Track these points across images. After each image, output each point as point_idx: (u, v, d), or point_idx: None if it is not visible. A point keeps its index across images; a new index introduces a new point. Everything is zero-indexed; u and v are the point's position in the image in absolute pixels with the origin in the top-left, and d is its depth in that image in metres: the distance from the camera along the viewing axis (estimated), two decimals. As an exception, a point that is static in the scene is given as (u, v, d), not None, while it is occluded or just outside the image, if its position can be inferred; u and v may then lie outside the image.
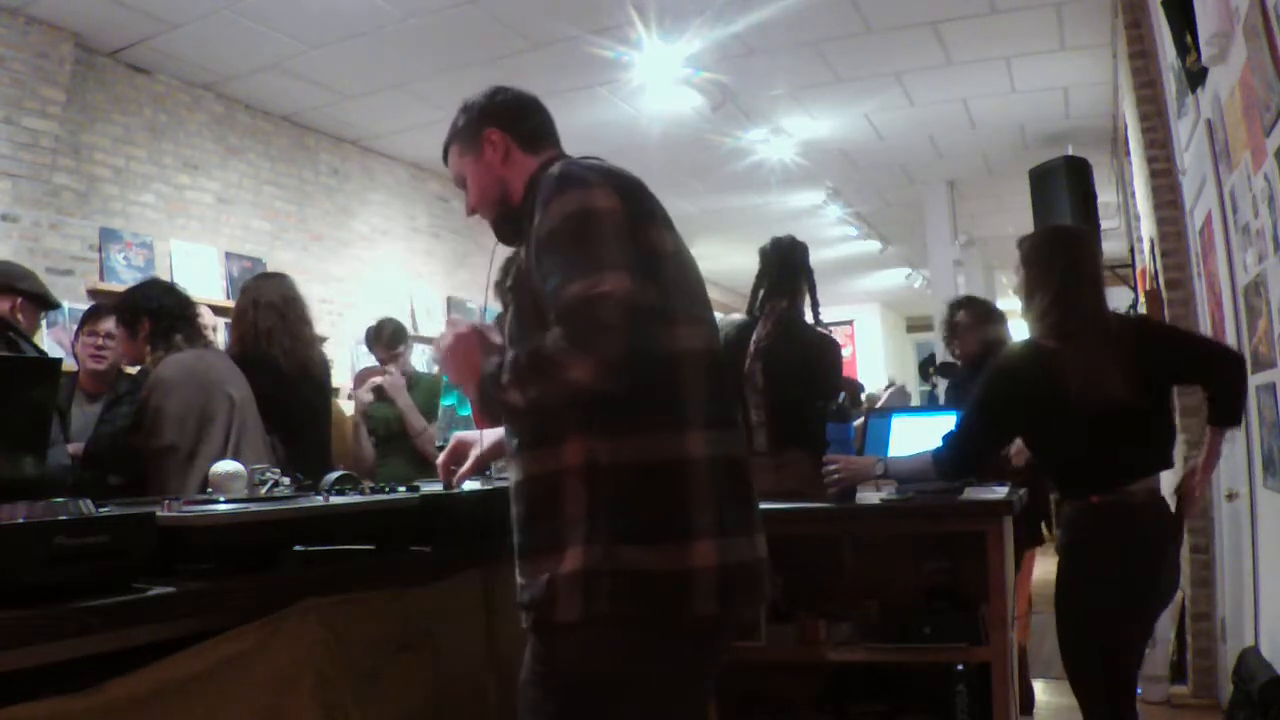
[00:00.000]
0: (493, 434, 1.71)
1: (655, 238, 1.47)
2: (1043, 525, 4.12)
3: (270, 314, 3.28)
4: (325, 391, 3.62)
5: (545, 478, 1.44)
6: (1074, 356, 2.27)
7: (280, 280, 3.49)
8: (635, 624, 1.38)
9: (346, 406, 4.71)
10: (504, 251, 1.80)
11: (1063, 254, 2.40)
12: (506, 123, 1.65)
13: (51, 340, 4.45)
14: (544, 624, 1.42)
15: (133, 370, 3.39)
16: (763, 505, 1.60)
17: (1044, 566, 7.85)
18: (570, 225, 1.40)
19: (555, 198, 1.43)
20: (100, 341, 3.40)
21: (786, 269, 3.10)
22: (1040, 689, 4.26)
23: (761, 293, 3.11)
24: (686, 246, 1.59)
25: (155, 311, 2.98)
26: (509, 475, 1.56)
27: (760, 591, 1.51)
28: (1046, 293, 2.34)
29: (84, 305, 4.24)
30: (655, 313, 1.39)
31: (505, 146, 1.63)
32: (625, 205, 1.44)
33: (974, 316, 4.08)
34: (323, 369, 3.55)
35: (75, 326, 3.66)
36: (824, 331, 3.14)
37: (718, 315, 2.29)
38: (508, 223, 1.64)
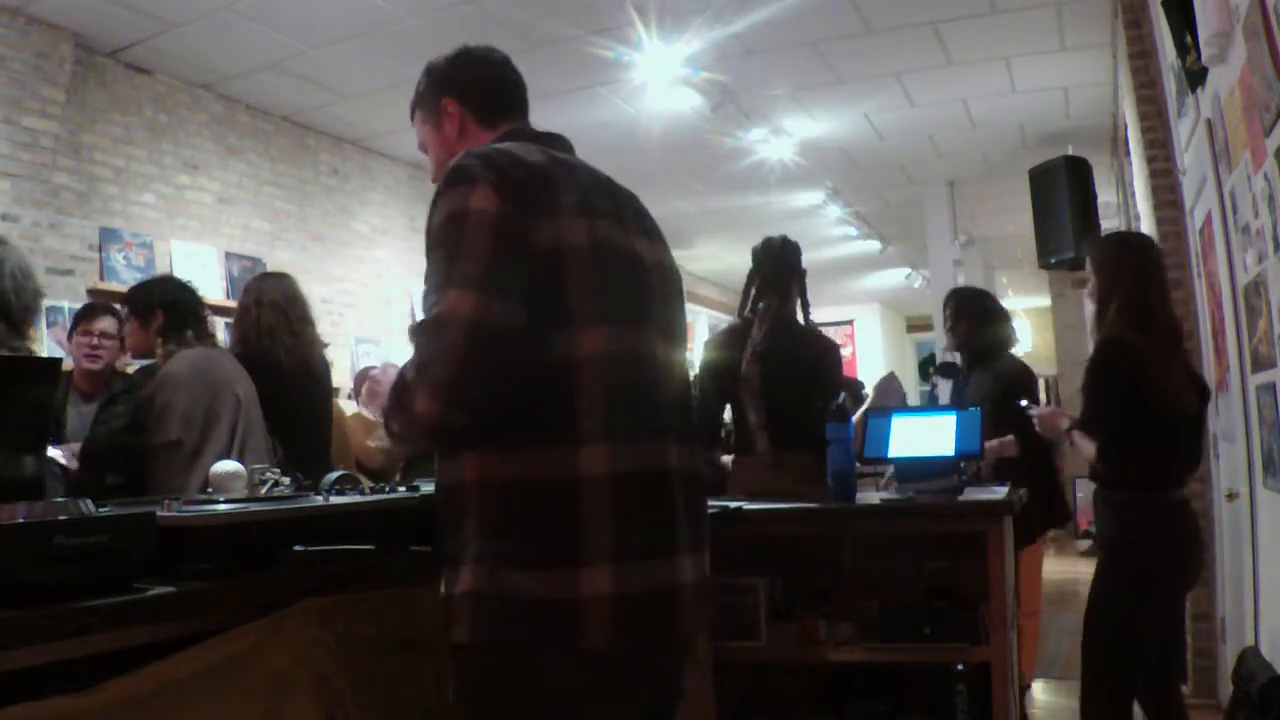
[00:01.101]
0: None
1: (554, 232, 1.32)
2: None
3: (273, 312, 3.29)
4: (326, 391, 3.63)
5: (450, 490, 1.36)
6: (1158, 355, 2.45)
7: (282, 280, 3.49)
8: (520, 653, 1.28)
9: (347, 406, 4.72)
10: None
11: (1137, 257, 2.58)
12: (464, 93, 1.56)
13: (51, 340, 4.45)
14: (451, 641, 1.35)
15: (131, 369, 3.39)
16: (763, 505, 1.57)
17: (1043, 566, 7.84)
18: (442, 230, 1.31)
19: (441, 193, 1.34)
20: (95, 341, 3.40)
21: (778, 269, 3.09)
22: (1040, 689, 4.26)
23: (753, 293, 3.11)
24: (628, 232, 1.45)
25: (170, 305, 2.98)
26: None
27: (674, 623, 1.36)
28: (1125, 294, 2.50)
29: (83, 305, 4.24)
30: (510, 329, 1.26)
31: (461, 120, 1.56)
32: (509, 203, 1.30)
33: (958, 308, 4.02)
34: (324, 369, 3.55)
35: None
36: (815, 329, 3.15)
37: (712, 319, 2.30)
38: None
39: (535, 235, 1.30)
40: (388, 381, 1.49)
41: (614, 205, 1.45)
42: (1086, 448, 2.58)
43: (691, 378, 1.72)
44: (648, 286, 1.45)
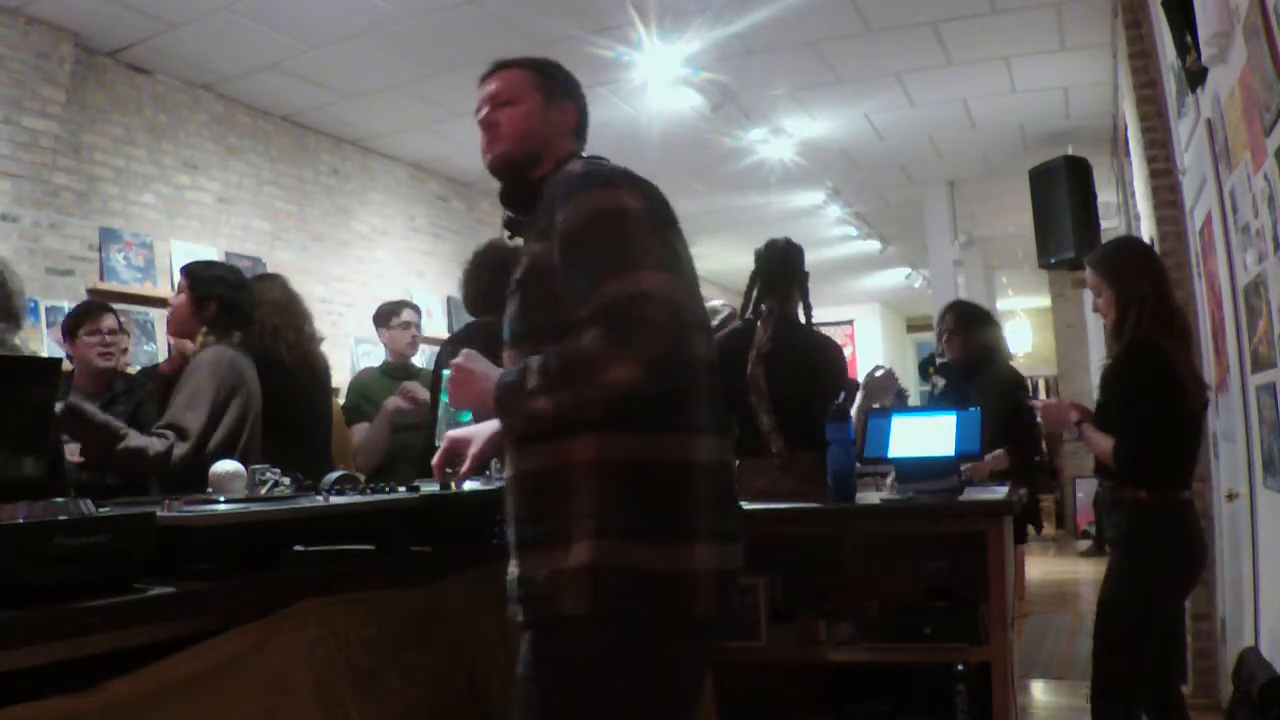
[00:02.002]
0: (487, 430, 1.68)
1: (676, 242, 1.48)
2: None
3: (275, 311, 3.29)
4: (326, 389, 3.63)
5: (552, 471, 1.43)
6: (1184, 354, 2.53)
7: (277, 280, 3.50)
8: (639, 621, 1.38)
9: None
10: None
11: (1145, 259, 2.68)
12: (582, 109, 1.69)
13: (52, 340, 4.45)
14: (544, 618, 1.41)
15: (132, 369, 3.38)
16: (764, 505, 1.63)
17: (1043, 566, 7.86)
18: (603, 222, 1.40)
19: (583, 194, 1.44)
20: (106, 339, 3.40)
21: (781, 271, 3.10)
22: (1040, 689, 4.26)
23: (755, 294, 3.11)
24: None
25: (228, 305, 2.95)
26: (506, 469, 1.54)
27: (738, 600, 1.56)
28: (1146, 296, 2.55)
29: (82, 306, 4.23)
30: (691, 314, 1.40)
31: (572, 124, 1.66)
32: (652, 207, 1.45)
33: (958, 320, 4.03)
34: (323, 367, 3.55)
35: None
36: (816, 330, 3.16)
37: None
38: (519, 188, 1.62)
39: (668, 239, 1.45)
40: (480, 371, 1.51)
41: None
42: (1100, 443, 2.59)
43: None
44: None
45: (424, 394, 3.66)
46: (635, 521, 1.38)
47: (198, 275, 3.00)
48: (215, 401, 2.73)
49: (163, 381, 2.98)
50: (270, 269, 5.53)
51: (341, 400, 4.31)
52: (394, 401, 3.80)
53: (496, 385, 1.44)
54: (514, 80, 1.65)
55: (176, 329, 3.09)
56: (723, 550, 1.43)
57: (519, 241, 1.66)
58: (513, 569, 1.48)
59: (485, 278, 3.10)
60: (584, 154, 1.66)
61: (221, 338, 2.91)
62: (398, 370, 4.11)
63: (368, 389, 4.05)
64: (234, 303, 2.97)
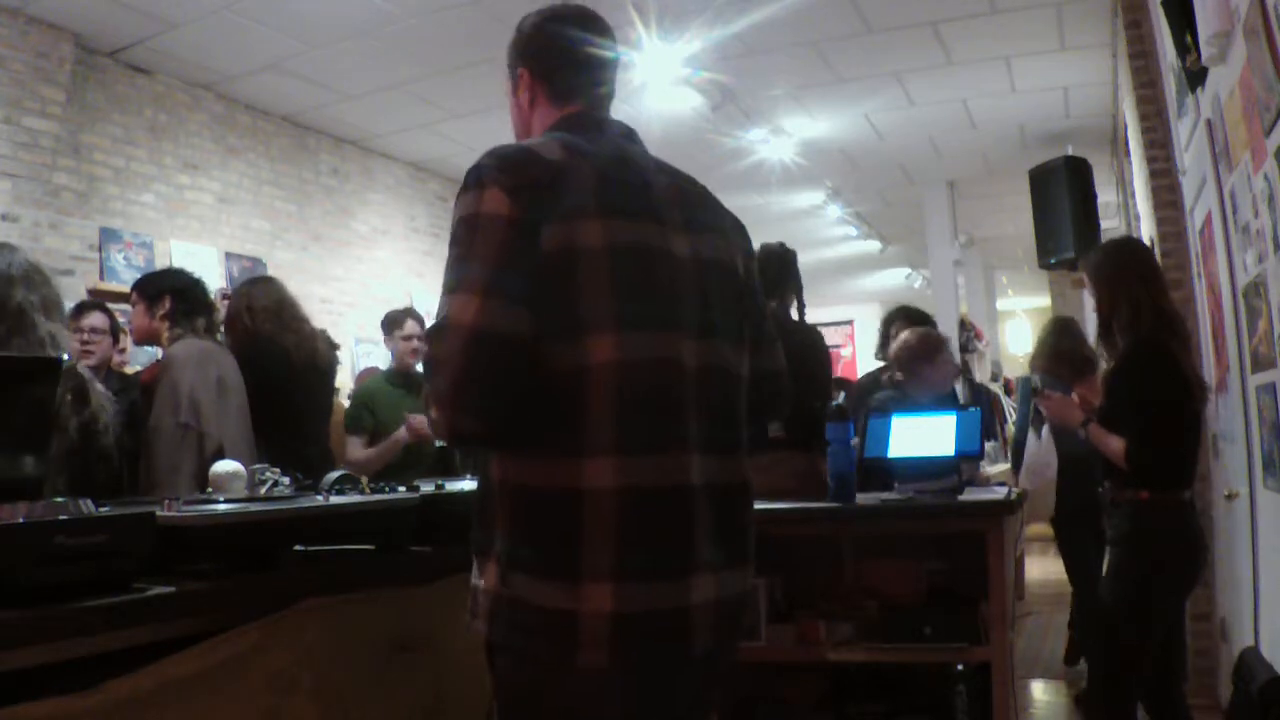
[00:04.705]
0: None
1: (566, 236, 1.27)
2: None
3: (266, 318, 3.29)
4: (329, 386, 3.64)
5: (483, 486, 1.37)
6: (1186, 355, 2.55)
7: (271, 283, 3.50)
8: (525, 660, 1.28)
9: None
10: None
11: (1144, 261, 2.70)
12: (539, 65, 1.49)
13: (51, 340, 4.44)
14: (472, 632, 1.35)
15: (130, 369, 3.38)
16: (764, 505, 1.55)
17: (1043, 566, 7.87)
18: (454, 233, 1.31)
19: (458, 195, 1.33)
20: (86, 336, 3.40)
21: (777, 274, 3.14)
22: (1040, 689, 4.26)
23: None
24: (670, 229, 1.38)
25: (181, 291, 2.96)
26: None
27: (684, 646, 1.30)
28: (1145, 298, 2.57)
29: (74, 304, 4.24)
30: (513, 335, 1.23)
31: (532, 90, 1.50)
32: (520, 206, 1.26)
33: (906, 326, 3.92)
34: (328, 364, 3.56)
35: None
36: (809, 326, 3.22)
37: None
38: None
39: (546, 239, 1.26)
40: None
41: (647, 201, 1.38)
42: (1109, 443, 2.58)
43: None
44: (683, 287, 1.36)
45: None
46: (521, 551, 1.26)
47: (145, 281, 3.06)
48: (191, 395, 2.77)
49: (143, 390, 2.99)
50: (270, 269, 5.53)
51: (345, 401, 4.32)
52: (403, 436, 3.84)
53: None
54: (505, 83, 1.57)
55: (140, 337, 3.11)
56: (631, 590, 1.24)
57: None
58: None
59: None
60: (569, 106, 1.48)
61: (187, 329, 2.92)
62: (401, 379, 4.13)
63: (374, 400, 4.04)
64: (186, 290, 2.97)
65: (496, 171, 1.30)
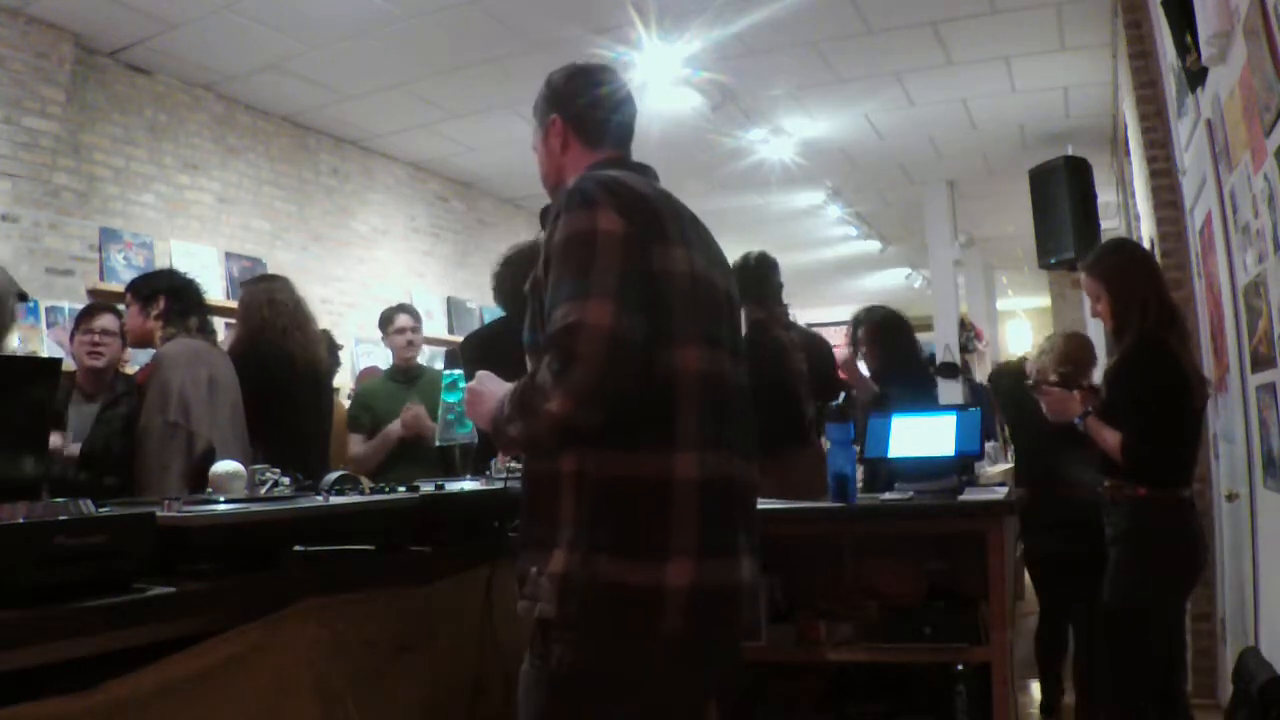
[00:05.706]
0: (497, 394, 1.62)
1: (664, 258, 1.48)
2: None
3: (284, 313, 3.32)
4: (329, 389, 3.64)
5: (545, 476, 1.47)
6: (1186, 352, 2.57)
7: (286, 282, 3.54)
8: (604, 633, 1.41)
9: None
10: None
11: (1143, 261, 2.73)
12: (572, 112, 1.67)
13: (52, 340, 4.45)
14: (536, 614, 1.45)
15: (133, 370, 3.39)
16: (762, 505, 1.61)
17: (1044, 566, 7.78)
18: (571, 246, 1.43)
19: (564, 214, 1.46)
20: (96, 338, 3.40)
21: (755, 281, 3.27)
22: (1039, 689, 4.26)
23: None
24: (709, 263, 1.58)
25: (174, 292, 2.97)
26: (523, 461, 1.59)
27: (737, 615, 1.50)
28: (1147, 298, 2.59)
29: (84, 305, 4.24)
30: (640, 341, 1.40)
31: (564, 136, 1.67)
32: (631, 227, 1.45)
33: (873, 328, 3.92)
34: (328, 368, 3.57)
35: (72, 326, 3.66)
36: (813, 331, 3.28)
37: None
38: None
39: (651, 259, 1.45)
40: (488, 392, 1.55)
41: (699, 237, 1.59)
42: (1106, 437, 2.59)
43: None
44: (722, 313, 1.59)
45: (428, 423, 3.65)
46: (604, 536, 1.41)
47: (139, 282, 3.07)
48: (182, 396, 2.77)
49: (139, 391, 2.99)
50: (270, 269, 5.53)
51: (345, 401, 4.32)
52: (396, 429, 3.82)
53: (494, 414, 1.50)
54: (534, 131, 1.73)
55: (135, 337, 3.12)
56: (704, 566, 1.43)
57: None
58: (518, 563, 1.52)
59: (508, 278, 3.13)
60: (602, 151, 1.66)
61: (180, 329, 2.92)
62: (401, 375, 4.12)
63: (373, 400, 4.04)
64: (181, 290, 2.98)
65: (606, 194, 1.46)
